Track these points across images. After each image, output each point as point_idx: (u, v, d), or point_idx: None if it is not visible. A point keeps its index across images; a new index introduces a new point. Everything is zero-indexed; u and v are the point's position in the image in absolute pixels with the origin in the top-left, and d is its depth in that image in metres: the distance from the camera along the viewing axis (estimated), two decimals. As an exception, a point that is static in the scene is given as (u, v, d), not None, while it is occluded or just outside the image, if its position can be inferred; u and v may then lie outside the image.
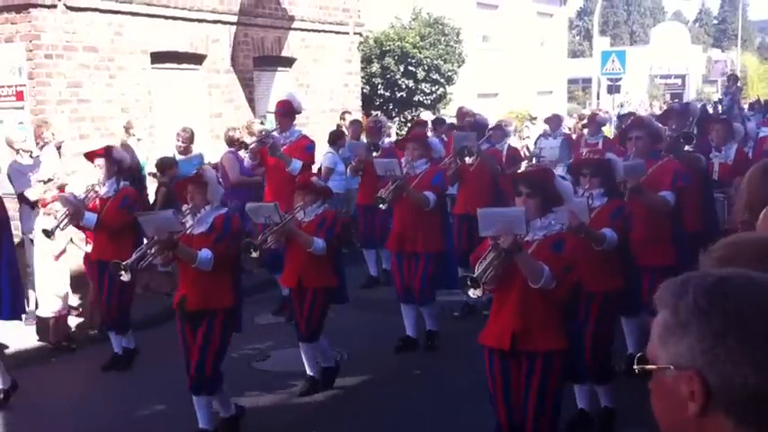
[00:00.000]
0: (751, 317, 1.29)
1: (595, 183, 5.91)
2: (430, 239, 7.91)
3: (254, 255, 6.80)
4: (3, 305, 6.84)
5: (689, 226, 7.20)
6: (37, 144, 9.64)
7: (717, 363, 1.29)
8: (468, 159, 8.59)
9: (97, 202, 7.78)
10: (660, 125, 9.72)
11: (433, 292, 8.13)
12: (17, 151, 9.42)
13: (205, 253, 5.86)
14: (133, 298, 7.91)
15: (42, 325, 8.43)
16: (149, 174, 11.04)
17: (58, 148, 10.07)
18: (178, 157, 10.78)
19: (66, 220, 7.55)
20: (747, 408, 1.28)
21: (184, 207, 6.22)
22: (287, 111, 9.37)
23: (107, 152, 7.93)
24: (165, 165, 10.36)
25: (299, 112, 9.75)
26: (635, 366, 1.42)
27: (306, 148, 9.24)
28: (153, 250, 5.89)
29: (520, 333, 4.79)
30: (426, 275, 7.92)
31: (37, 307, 8.45)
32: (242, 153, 10.81)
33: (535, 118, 20.22)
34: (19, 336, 8.28)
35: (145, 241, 6.18)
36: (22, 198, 9.21)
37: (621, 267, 6.03)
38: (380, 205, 7.88)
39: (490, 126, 10.80)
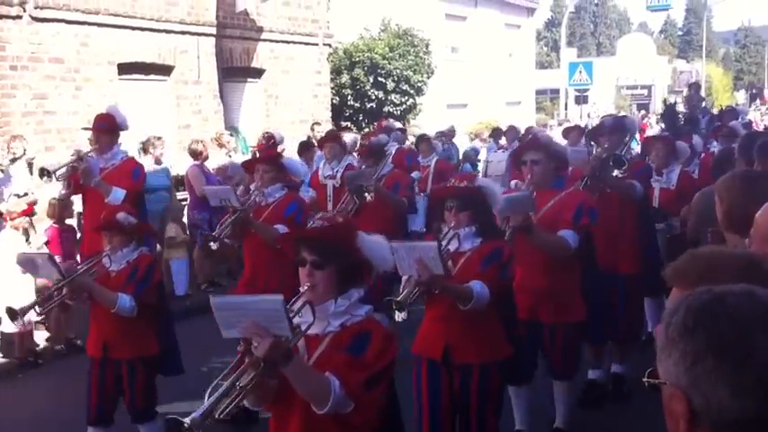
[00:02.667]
0: (732, 339, 1.26)
1: (464, 219, 4.60)
2: (287, 285, 6.04)
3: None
4: None
5: (625, 268, 6.50)
6: (8, 157, 9.51)
7: (698, 383, 1.28)
8: (367, 197, 7.38)
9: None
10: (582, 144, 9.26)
11: None
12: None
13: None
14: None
15: (7, 341, 8.28)
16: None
17: (30, 164, 9.92)
18: (147, 168, 10.66)
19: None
20: (733, 429, 1.26)
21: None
22: (108, 127, 7.74)
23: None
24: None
25: (124, 129, 7.98)
26: (645, 379, 1.42)
27: (132, 172, 7.73)
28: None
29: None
30: None
31: (0, 322, 8.30)
32: (206, 164, 10.75)
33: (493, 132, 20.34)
34: (-17, 352, 8.13)
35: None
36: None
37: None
38: (210, 243, 6.51)
39: (439, 133, 10.60)
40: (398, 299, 4.21)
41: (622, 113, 25.17)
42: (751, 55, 73.30)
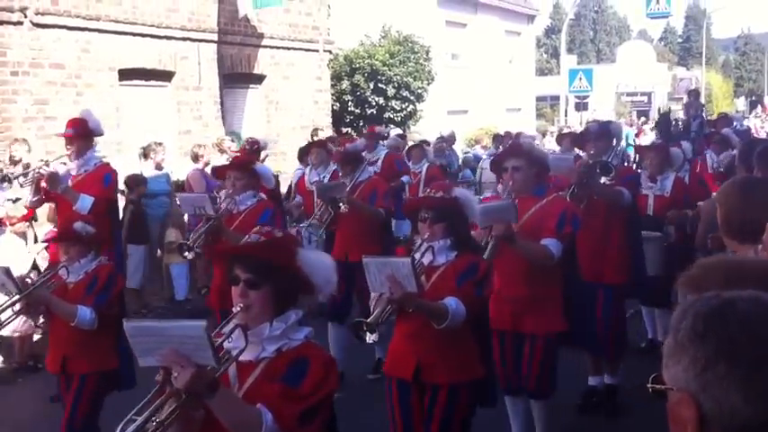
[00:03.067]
0: (744, 343, 1.26)
1: (439, 231, 4.34)
2: None
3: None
4: None
5: (610, 278, 6.32)
6: (7, 158, 9.52)
7: (708, 388, 1.27)
8: (342, 208, 7.14)
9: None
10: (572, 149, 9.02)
11: None
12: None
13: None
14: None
15: (6, 345, 8.28)
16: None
17: (25, 170, 9.89)
18: (147, 174, 10.69)
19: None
20: None
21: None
22: (81, 132, 7.38)
23: None
24: (133, 182, 10.26)
25: (99, 135, 7.68)
26: (649, 385, 1.41)
27: (103, 179, 7.33)
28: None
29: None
30: None
31: (0, 327, 8.30)
32: (207, 170, 10.76)
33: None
34: (-17, 356, 8.14)
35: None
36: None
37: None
38: (186, 254, 6.20)
39: (433, 140, 10.56)
40: (369, 320, 3.91)
41: (622, 120, 24.95)
42: (751, 62, 73.41)
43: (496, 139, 17.74)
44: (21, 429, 6.75)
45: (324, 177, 8.64)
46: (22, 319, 8.08)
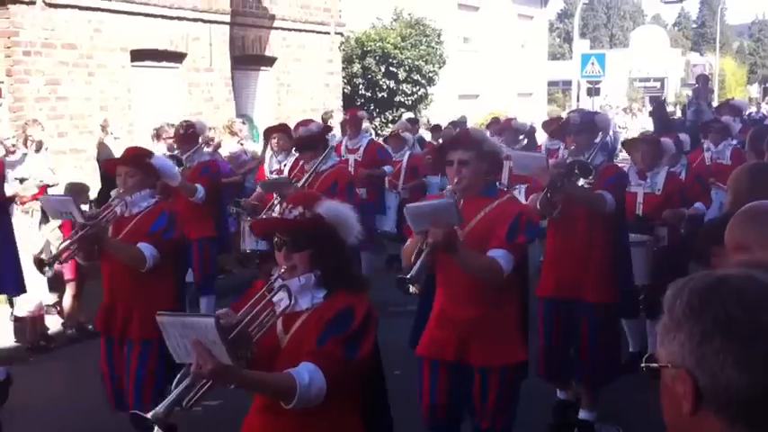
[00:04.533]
0: (739, 317, 1.28)
1: (299, 262, 3.00)
2: (147, 324, 4.30)
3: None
4: (10, 281, 6.64)
5: (594, 296, 5.40)
6: (25, 143, 9.58)
7: (704, 363, 1.29)
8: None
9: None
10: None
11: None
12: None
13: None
14: None
15: (20, 325, 8.35)
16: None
17: (38, 150, 9.96)
18: (158, 155, 10.71)
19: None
20: (737, 409, 1.28)
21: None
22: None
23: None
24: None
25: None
26: (642, 364, 1.43)
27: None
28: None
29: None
30: (142, 377, 5.10)
31: (13, 306, 8.37)
32: (219, 152, 10.78)
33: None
34: (-5, 335, 8.20)
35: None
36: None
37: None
38: (45, 269, 5.09)
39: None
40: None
41: (635, 105, 24.16)
42: (765, 48, 72.88)
43: (491, 125, 17.12)
44: (32, 409, 6.82)
45: (285, 165, 8.18)
46: (34, 299, 8.16)
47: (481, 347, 4.19)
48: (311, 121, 7.81)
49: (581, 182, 5.31)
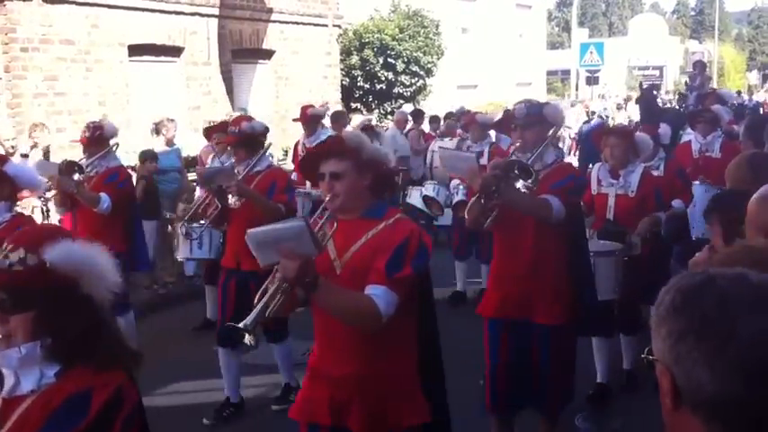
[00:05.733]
0: (713, 320, 1.29)
1: (20, 329, 2.22)
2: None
3: None
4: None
5: (545, 317, 4.71)
6: (30, 143, 9.57)
7: (679, 361, 1.31)
8: (231, 202, 5.90)
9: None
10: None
11: None
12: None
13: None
14: None
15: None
16: (128, 167, 10.96)
17: (46, 153, 9.92)
18: (157, 150, 10.72)
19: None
20: (708, 409, 1.29)
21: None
22: None
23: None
24: (145, 157, 10.30)
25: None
26: (643, 356, 1.44)
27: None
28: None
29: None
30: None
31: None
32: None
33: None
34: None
35: None
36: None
37: None
38: None
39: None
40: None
41: (634, 93, 23.29)
42: (764, 35, 72.67)
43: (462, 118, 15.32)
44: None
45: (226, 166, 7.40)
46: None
47: (361, 411, 3.32)
48: (250, 118, 6.69)
49: (520, 185, 4.51)
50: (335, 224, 3.34)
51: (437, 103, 20.50)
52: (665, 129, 7.75)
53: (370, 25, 19.67)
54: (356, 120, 12.74)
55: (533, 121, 4.77)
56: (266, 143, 6.28)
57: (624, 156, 5.94)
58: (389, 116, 17.83)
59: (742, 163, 3.70)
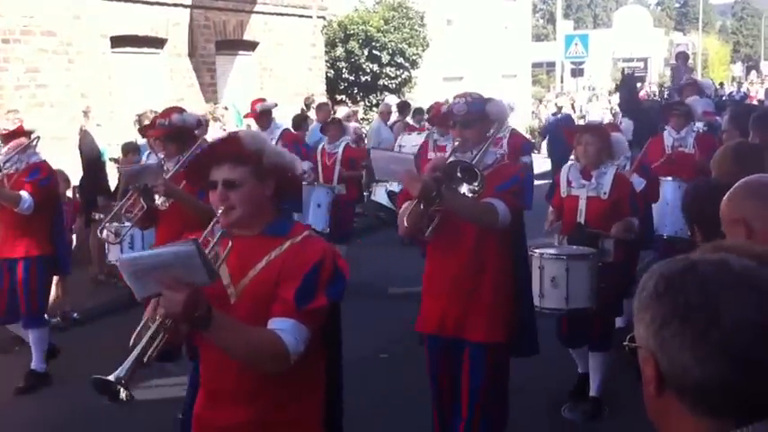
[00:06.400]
0: (697, 305, 1.29)
1: None
2: None
3: None
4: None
5: (481, 334, 4.23)
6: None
7: (663, 347, 1.31)
8: (158, 202, 5.38)
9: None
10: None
11: None
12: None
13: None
14: None
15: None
16: (110, 159, 10.89)
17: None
18: (141, 142, 10.63)
19: None
20: (694, 394, 1.30)
21: None
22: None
23: None
24: (127, 149, 10.23)
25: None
26: (625, 343, 1.44)
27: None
28: None
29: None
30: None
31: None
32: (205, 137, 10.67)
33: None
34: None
35: None
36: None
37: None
38: None
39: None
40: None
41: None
42: (748, 27, 73.03)
43: (416, 112, 15.05)
44: (18, 399, 6.80)
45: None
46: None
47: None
48: (182, 109, 5.85)
49: (464, 189, 4.04)
50: (230, 243, 2.74)
51: (422, 95, 20.46)
52: (626, 124, 7.56)
53: (354, 17, 19.60)
54: (341, 112, 12.68)
55: (474, 118, 4.30)
56: (201, 138, 5.56)
57: (598, 156, 5.57)
58: (375, 108, 17.78)
59: (727, 153, 3.69)
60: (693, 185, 3.62)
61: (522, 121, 23.20)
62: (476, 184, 3.98)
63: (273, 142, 8.30)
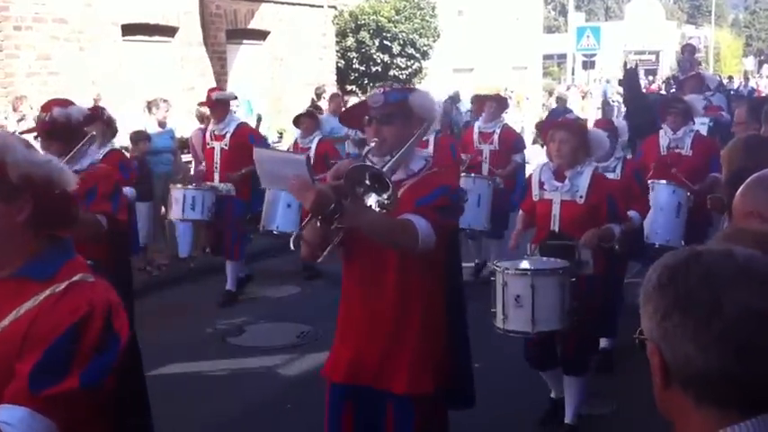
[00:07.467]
0: (699, 296, 1.29)
1: None
2: None
3: None
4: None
5: (405, 384, 3.29)
6: (16, 117, 9.53)
7: (666, 337, 1.32)
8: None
9: None
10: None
11: None
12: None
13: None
14: None
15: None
16: (121, 148, 10.90)
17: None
18: (150, 131, 10.65)
19: None
20: (697, 386, 1.30)
21: None
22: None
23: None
24: (137, 138, 10.24)
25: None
26: (635, 336, 1.44)
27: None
28: None
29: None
30: None
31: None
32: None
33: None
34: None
35: None
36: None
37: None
38: None
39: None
40: None
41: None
42: (761, 21, 72.54)
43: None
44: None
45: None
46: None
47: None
48: (70, 102, 4.90)
49: (373, 201, 3.05)
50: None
51: (433, 86, 20.42)
52: (620, 123, 6.56)
53: (365, 7, 19.55)
54: (352, 102, 12.63)
55: (394, 113, 3.33)
56: (89, 134, 4.78)
57: (573, 155, 4.87)
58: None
59: (738, 146, 3.68)
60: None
61: (532, 114, 23.13)
62: (386, 195, 3.02)
63: (228, 136, 8.01)
